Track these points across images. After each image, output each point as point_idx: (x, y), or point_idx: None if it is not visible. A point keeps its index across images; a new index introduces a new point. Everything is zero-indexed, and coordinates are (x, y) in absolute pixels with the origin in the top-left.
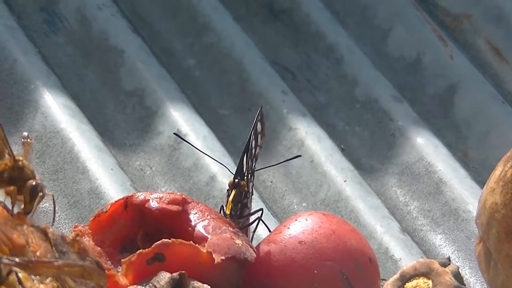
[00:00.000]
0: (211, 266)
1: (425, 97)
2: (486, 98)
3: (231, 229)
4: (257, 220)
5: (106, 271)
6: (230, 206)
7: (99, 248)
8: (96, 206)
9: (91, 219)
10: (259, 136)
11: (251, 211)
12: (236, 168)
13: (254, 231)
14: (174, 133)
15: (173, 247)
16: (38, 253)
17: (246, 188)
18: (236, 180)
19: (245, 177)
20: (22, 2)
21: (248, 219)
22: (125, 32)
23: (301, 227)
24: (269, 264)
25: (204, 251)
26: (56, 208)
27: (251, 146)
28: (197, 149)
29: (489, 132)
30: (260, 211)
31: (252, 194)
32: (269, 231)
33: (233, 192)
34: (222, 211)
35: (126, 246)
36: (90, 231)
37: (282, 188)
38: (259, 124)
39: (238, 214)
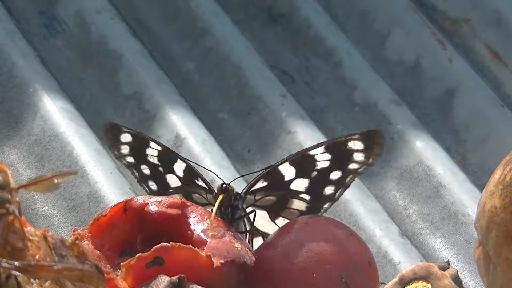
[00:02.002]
0: (210, 270)
1: (424, 101)
2: (485, 101)
3: (230, 232)
4: (251, 224)
5: (105, 275)
6: (216, 211)
7: (98, 251)
8: (95, 209)
9: (90, 223)
10: (364, 154)
11: (243, 213)
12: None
13: (250, 234)
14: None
15: (172, 250)
16: (37, 257)
17: (235, 192)
18: (224, 185)
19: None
20: (21, 6)
21: (241, 221)
22: (124, 36)
23: (300, 230)
24: (268, 267)
25: (203, 254)
26: (56, 211)
27: (311, 158)
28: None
29: (488, 136)
30: (253, 213)
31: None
32: (266, 237)
33: (220, 197)
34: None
35: (126, 249)
36: (89, 234)
37: None
38: (359, 142)
39: (230, 218)
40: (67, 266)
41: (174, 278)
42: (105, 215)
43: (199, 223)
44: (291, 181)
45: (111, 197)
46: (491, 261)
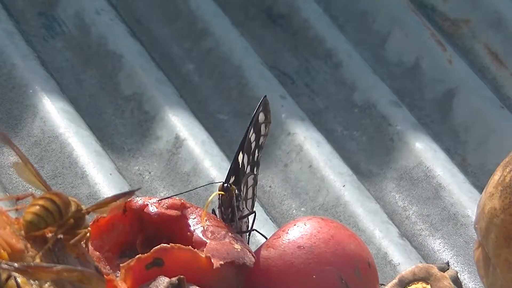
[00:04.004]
0: (210, 271)
1: (424, 102)
2: (484, 102)
3: (230, 233)
4: (251, 225)
5: (105, 276)
6: (217, 212)
7: (98, 253)
8: None
9: (90, 224)
10: (263, 125)
11: (244, 214)
12: (229, 168)
13: (249, 234)
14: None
15: (172, 252)
16: (37, 258)
17: (235, 192)
18: (225, 185)
19: (243, 174)
20: (20, 7)
21: (241, 222)
22: (123, 37)
23: (300, 232)
24: (268, 269)
25: (203, 256)
26: None
27: (249, 141)
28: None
29: (488, 137)
30: (253, 214)
31: (256, 184)
32: (266, 238)
33: (215, 193)
34: (216, 213)
35: (125, 251)
36: None
37: (281, 193)
38: (261, 114)
39: (230, 218)
40: (67, 267)
41: (174, 279)
42: (105, 216)
43: (198, 224)
44: (244, 167)
45: None
46: (491, 262)
